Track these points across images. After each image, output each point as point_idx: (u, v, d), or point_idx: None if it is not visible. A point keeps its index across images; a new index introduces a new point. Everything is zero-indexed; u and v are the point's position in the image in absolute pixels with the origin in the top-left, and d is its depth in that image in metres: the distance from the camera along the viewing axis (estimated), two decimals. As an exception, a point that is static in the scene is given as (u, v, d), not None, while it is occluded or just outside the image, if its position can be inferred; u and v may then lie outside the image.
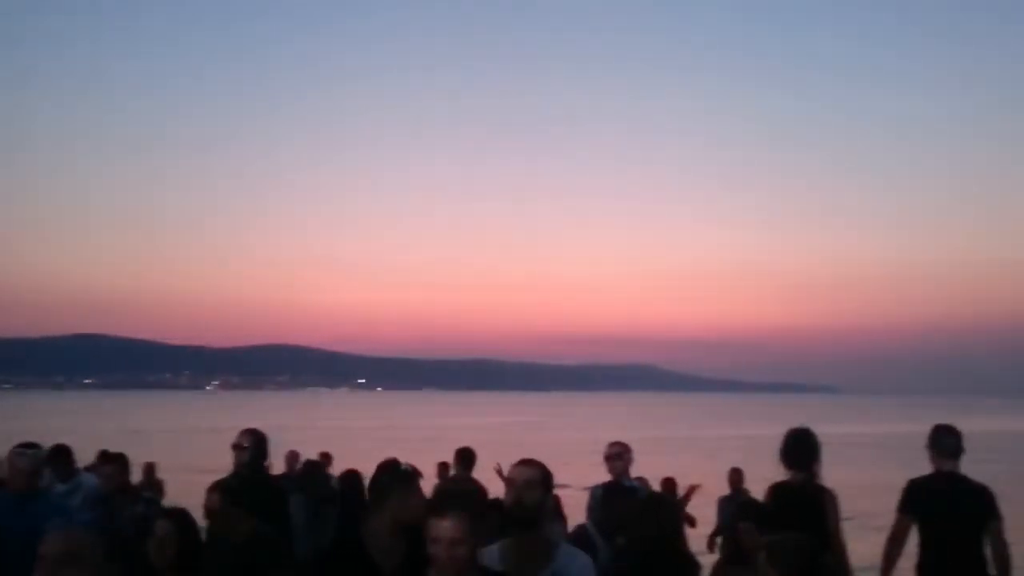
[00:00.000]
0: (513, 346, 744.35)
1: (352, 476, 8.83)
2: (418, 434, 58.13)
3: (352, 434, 56.65)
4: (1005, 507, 5.80)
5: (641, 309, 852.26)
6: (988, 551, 5.66)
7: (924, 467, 5.96)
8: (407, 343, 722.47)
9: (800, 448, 5.81)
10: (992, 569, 5.67)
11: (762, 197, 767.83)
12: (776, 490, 5.83)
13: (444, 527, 3.01)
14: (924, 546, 5.73)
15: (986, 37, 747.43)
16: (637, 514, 4.23)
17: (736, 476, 10.96)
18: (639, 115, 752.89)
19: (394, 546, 3.55)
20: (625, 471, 7.09)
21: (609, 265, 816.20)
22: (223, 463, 6.92)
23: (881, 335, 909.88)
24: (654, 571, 4.00)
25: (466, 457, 9.12)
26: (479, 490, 7.92)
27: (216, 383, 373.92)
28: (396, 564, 3.52)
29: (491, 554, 3.55)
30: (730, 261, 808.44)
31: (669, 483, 10.49)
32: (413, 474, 3.69)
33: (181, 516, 4.09)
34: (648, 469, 10.91)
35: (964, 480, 5.79)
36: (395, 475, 3.64)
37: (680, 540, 4.23)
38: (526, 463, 3.69)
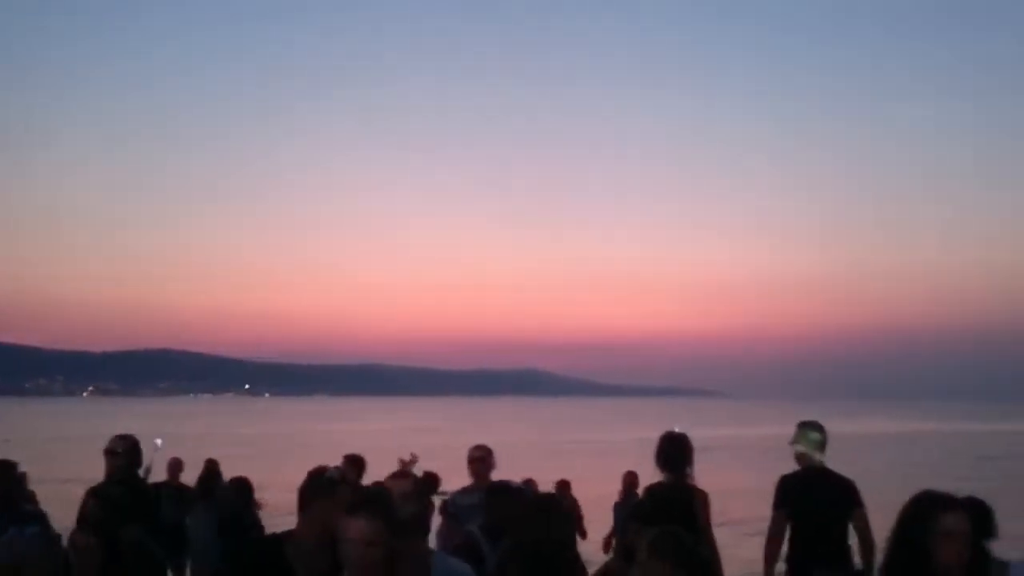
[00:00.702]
0: (403, 351, 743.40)
1: (240, 484, 8.69)
2: (311, 440, 57.19)
3: (236, 441, 55.32)
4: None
5: (530, 315, 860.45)
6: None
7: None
8: (296, 348, 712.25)
9: (673, 451, 6.10)
10: (858, 556, 6.00)
11: (651, 204, 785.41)
12: (650, 491, 6.16)
13: (357, 527, 2.95)
14: (794, 537, 6.01)
15: (815, 46, 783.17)
16: (524, 516, 4.21)
17: (631, 479, 11.04)
18: (531, 115, 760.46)
19: (319, 554, 3.45)
20: (487, 475, 6.91)
21: (498, 271, 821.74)
22: (92, 472, 6.74)
23: (767, 341, 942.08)
24: (541, 573, 3.96)
25: (356, 464, 9.06)
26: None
27: (90, 389, 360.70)
28: (321, 572, 3.43)
29: None
30: (619, 268, 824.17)
31: (563, 485, 10.53)
32: (339, 481, 3.64)
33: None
34: (538, 472, 10.98)
35: (830, 474, 6.12)
36: (321, 482, 3.58)
37: (570, 542, 4.22)
38: (399, 476, 3.78)
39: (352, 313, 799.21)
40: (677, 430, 6.31)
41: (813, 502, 5.96)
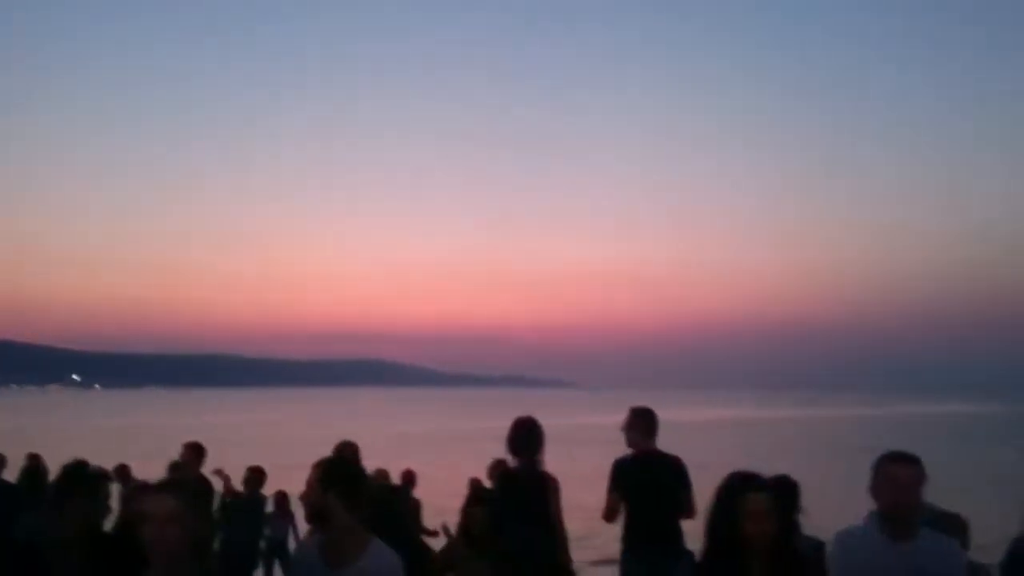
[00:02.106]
0: (241, 341, 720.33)
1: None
2: (143, 433, 54.89)
3: (64, 436, 52.53)
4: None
5: (375, 304, 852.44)
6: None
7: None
8: (127, 337, 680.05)
9: (525, 436, 6.30)
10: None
11: (495, 198, 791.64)
12: (501, 476, 6.39)
13: (155, 504, 2.96)
14: (628, 518, 6.31)
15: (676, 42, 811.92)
16: (376, 505, 4.31)
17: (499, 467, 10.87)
18: (379, 113, 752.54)
19: (77, 549, 3.44)
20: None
21: (342, 260, 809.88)
22: None
23: (616, 331, 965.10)
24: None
25: (197, 451, 9.03)
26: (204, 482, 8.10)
27: None
28: (76, 567, 3.41)
29: (308, 548, 3.63)
30: (468, 258, 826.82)
31: (408, 475, 10.63)
32: (102, 476, 3.61)
33: None
34: (387, 463, 11.04)
35: (660, 455, 6.44)
36: (82, 477, 3.55)
37: (416, 529, 4.30)
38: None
39: (194, 302, 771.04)
40: (527, 416, 6.46)
41: (644, 483, 6.22)
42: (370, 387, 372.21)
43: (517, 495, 6.13)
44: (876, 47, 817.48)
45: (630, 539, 6.30)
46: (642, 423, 6.48)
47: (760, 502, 3.24)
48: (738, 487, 3.32)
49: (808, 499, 5.19)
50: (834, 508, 6.20)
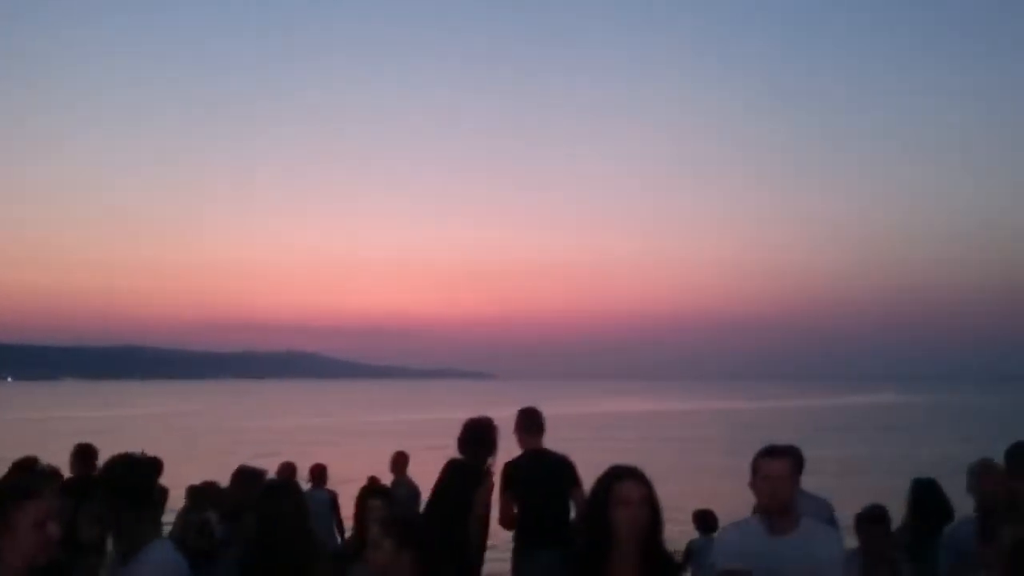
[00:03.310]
0: (160, 333, 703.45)
1: None
2: (65, 427, 53.34)
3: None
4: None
5: (298, 296, 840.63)
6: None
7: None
8: (41, 328, 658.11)
9: (471, 435, 6.40)
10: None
11: (422, 189, 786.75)
12: (444, 469, 6.41)
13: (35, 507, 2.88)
14: (520, 518, 6.37)
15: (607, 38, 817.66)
16: (259, 498, 4.31)
17: (400, 459, 10.70)
18: (309, 100, 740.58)
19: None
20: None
21: (264, 250, 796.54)
22: None
23: (536, 323, 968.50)
24: (277, 554, 4.04)
25: (84, 455, 7.50)
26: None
27: None
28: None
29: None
30: (390, 251, 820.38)
31: (317, 469, 10.49)
32: (52, 474, 3.58)
33: None
34: (301, 457, 10.97)
35: (549, 454, 6.51)
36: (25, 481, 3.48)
37: (304, 522, 4.25)
38: None
39: (106, 291, 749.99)
40: (479, 415, 6.56)
41: (534, 483, 6.28)
42: (296, 380, 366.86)
43: (451, 490, 6.21)
44: (828, 49, 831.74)
45: (523, 538, 6.35)
46: (529, 423, 6.54)
47: (632, 489, 3.29)
48: (609, 477, 3.36)
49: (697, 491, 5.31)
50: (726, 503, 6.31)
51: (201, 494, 6.97)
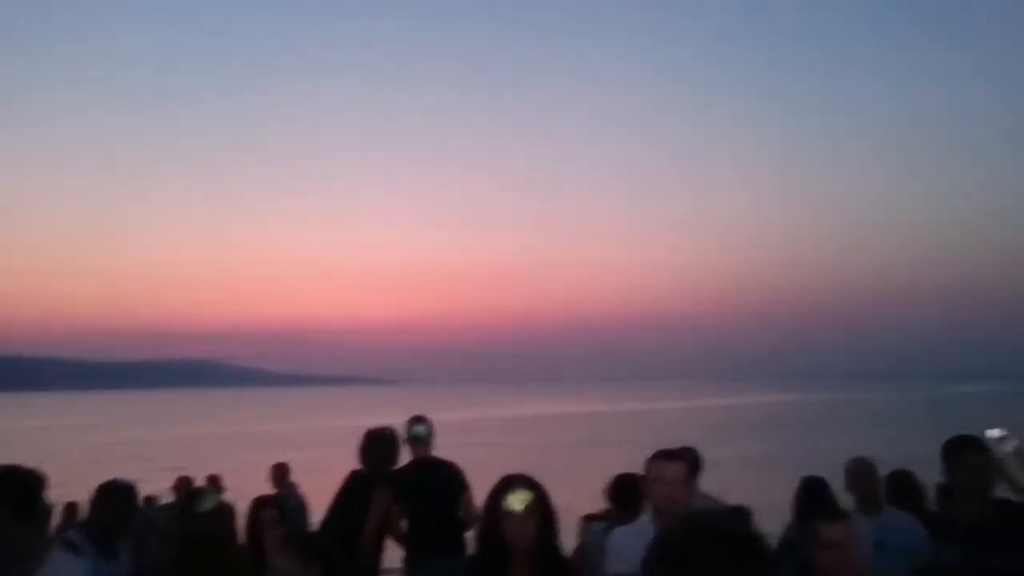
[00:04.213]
0: (50, 340, 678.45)
1: None
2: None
3: None
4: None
5: (202, 304, 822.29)
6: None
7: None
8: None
9: (371, 446, 6.34)
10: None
11: (331, 194, 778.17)
12: (345, 480, 6.35)
13: None
14: (411, 526, 6.33)
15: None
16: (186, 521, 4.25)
17: (280, 471, 10.53)
18: (222, 110, 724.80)
19: None
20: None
21: (167, 257, 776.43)
22: None
23: (442, 329, 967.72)
24: (201, 569, 4.01)
25: None
26: None
27: None
28: None
29: None
30: (297, 256, 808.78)
31: (213, 480, 10.26)
32: None
33: None
34: (197, 467, 10.71)
35: (436, 462, 6.52)
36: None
37: (229, 536, 4.23)
38: None
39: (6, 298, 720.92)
40: (381, 426, 6.51)
41: (424, 491, 6.26)
42: (199, 388, 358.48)
43: (353, 501, 6.15)
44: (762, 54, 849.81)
45: (413, 547, 6.33)
46: (416, 431, 6.51)
47: (516, 501, 3.29)
48: (500, 487, 3.37)
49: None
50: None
51: (69, 511, 6.73)
